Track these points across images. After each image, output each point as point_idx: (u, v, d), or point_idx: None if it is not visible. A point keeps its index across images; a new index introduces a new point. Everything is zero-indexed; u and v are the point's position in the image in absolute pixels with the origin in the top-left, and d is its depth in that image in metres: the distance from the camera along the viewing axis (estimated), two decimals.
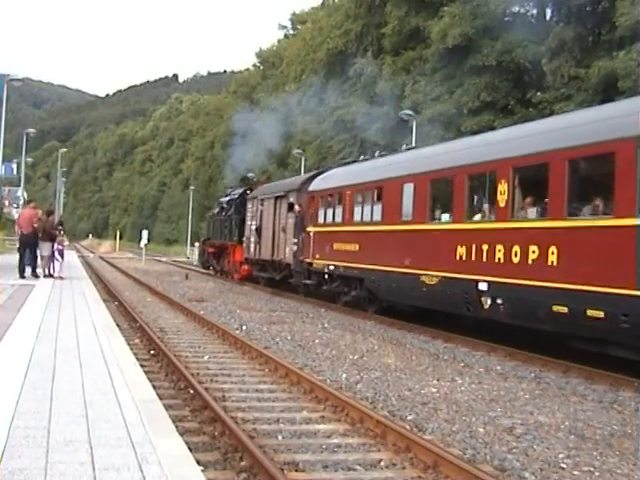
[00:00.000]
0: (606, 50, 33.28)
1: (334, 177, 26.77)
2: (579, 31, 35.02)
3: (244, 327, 18.72)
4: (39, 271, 25.36)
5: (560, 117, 18.14)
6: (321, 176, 28.30)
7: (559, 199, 13.75)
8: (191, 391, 10.46)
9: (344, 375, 12.59)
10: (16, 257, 26.17)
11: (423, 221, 18.95)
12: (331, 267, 24.91)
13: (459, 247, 16.93)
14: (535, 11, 43.84)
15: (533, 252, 14.32)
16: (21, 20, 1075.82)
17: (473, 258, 16.39)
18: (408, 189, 19.74)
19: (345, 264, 23.68)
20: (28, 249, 25.28)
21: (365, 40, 54.54)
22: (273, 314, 22.55)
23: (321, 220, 26.26)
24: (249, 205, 36.39)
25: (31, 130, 67.96)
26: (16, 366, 8.63)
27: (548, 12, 42.71)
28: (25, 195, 60.44)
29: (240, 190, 39.83)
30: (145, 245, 58.30)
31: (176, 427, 6.74)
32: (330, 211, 25.59)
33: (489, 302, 15.75)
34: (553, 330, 14.67)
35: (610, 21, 32.70)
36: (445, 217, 18.19)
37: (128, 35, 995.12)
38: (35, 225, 24.78)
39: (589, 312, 12.64)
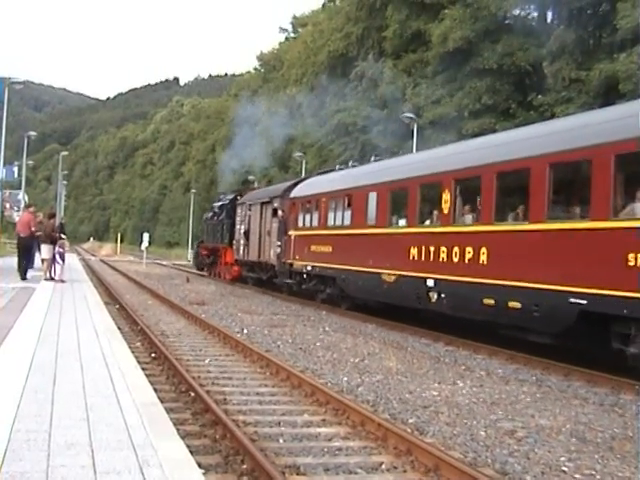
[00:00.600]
0: (607, 53, 33.30)
1: (312, 185, 29.13)
2: (580, 34, 35.03)
3: (245, 330, 18.72)
4: (31, 274, 25.50)
5: (492, 136, 21.13)
6: (301, 184, 30.71)
7: (488, 207, 16.40)
8: (192, 394, 10.46)
9: (345, 378, 12.59)
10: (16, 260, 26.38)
11: (384, 225, 21.52)
12: (309, 267, 27.20)
13: (412, 249, 19.43)
14: (536, 14, 43.91)
15: (469, 253, 16.82)
16: (22, 23, 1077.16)
17: (423, 258, 18.90)
18: (372, 197, 22.29)
19: (320, 264, 26.02)
20: (26, 252, 25.85)
21: (366, 43, 54.56)
22: (274, 317, 22.56)
23: (300, 224, 28.57)
24: (239, 210, 38.34)
25: (32, 133, 68.06)
26: (17, 369, 8.63)
27: (549, 15, 42.79)
28: (26, 198, 60.38)
29: (231, 196, 42.14)
30: (146, 248, 58.31)
31: (177, 430, 6.74)
32: (308, 216, 27.96)
33: (435, 297, 18.19)
34: (484, 320, 17.08)
35: (611, 24, 32.71)
36: (402, 222, 20.77)
37: (129, 38, 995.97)
38: (33, 229, 25.02)
39: (510, 304, 15.09)
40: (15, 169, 62.00)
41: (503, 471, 7.78)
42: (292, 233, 29.16)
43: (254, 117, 70.94)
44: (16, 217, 56.23)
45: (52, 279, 25.08)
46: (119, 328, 14.70)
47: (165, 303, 25.54)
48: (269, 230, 32.61)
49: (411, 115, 37.57)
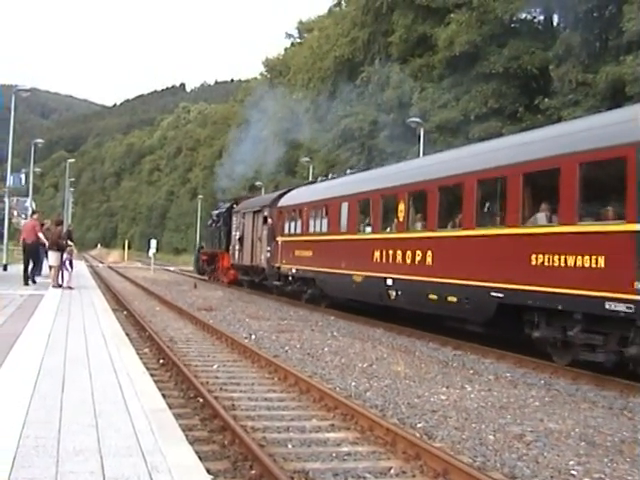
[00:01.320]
0: (613, 55, 33.24)
1: (296, 196, 31.91)
2: (586, 37, 34.98)
3: (253, 336, 18.72)
4: (40, 280, 25.63)
5: (435, 155, 23.43)
6: (288, 194, 33.37)
7: (433, 216, 19.28)
8: (200, 400, 10.46)
9: (353, 383, 12.58)
10: None
11: (353, 232, 24.33)
12: (293, 270, 29.93)
13: (375, 252, 22.21)
14: (542, 17, 43.89)
15: (418, 255, 19.57)
16: (28, 30, 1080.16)
17: (384, 261, 21.64)
18: (344, 207, 25.17)
19: (303, 267, 28.83)
20: (31, 258, 26.46)
21: (372, 48, 54.50)
22: (282, 322, 22.56)
23: (286, 231, 31.28)
24: (234, 218, 41.07)
25: (39, 140, 68.11)
26: (26, 376, 8.64)
27: (555, 18, 42.75)
28: (34, 205, 60.47)
29: (228, 205, 44.58)
30: (154, 254, 58.36)
31: (186, 436, 6.74)
32: (293, 224, 30.74)
33: (394, 294, 20.82)
34: (430, 313, 19.96)
35: (617, 26, 32.66)
36: (368, 229, 23.51)
37: (135, 45, 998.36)
38: (40, 234, 25.20)
39: (448, 298, 17.85)
40: (22, 176, 62.17)
41: (512, 475, 7.77)
42: (279, 239, 31.85)
43: (260, 122, 71.13)
44: (24, 224, 56.41)
45: (60, 286, 25.12)
46: (127, 334, 14.71)
47: (173, 309, 25.55)
48: (260, 236, 35.30)
49: (417, 120, 37.57)
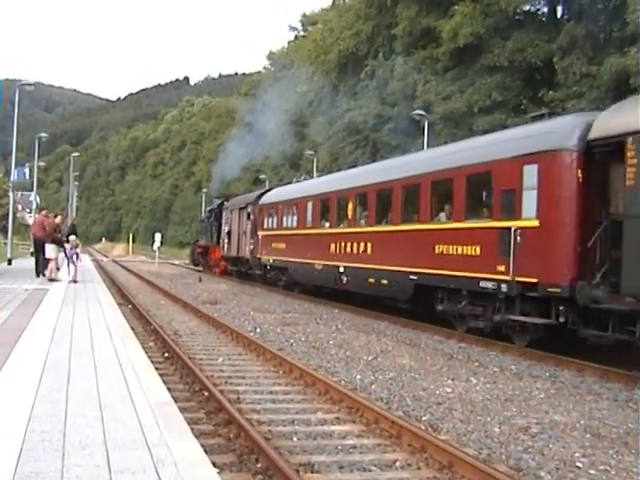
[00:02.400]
0: (618, 47, 33.17)
1: (274, 194, 36.17)
2: (590, 28, 34.89)
3: (258, 329, 18.74)
4: (46, 272, 25.83)
5: (373, 165, 29.93)
6: (267, 193, 37.61)
7: (372, 214, 23.73)
8: (206, 393, 10.48)
9: (358, 376, 12.59)
10: (29, 261, 27.03)
11: (316, 227, 28.52)
12: (271, 260, 34.16)
13: (331, 244, 26.45)
14: (546, 9, 43.77)
15: (362, 246, 23.82)
16: (32, 24, 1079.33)
17: (338, 251, 25.87)
18: (309, 205, 29.43)
19: (278, 258, 33.11)
20: (40, 252, 27.05)
21: (376, 41, 54.39)
22: (287, 316, 22.58)
23: (265, 226, 35.58)
24: (224, 214, 44.94)
25: (43, 134, 68.04)
26: (31, 369, 8.65)
27: (559, 10, 42.64)
28: (38, 200, 60.61)
29: (219, 201, 48.65)
30: (158, 248, 58.42)
31: (191, 429, 6.74)
32: (270, 219, 35.02)
33: (345, 279, 25.10)
34: (369, 294, 24.16)
35: (621, 18, 32.61)
36: (327, 225, 27.68)
37: (139, 38, 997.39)
38: (47, 229, 25.46)
39: (382, 281, 22.09)
40: (27, 171, 62.27)
41: (517, 467, 7.77)
42: (260, 233, 36.11)
43: (264, 116, 71.14)
44: (28, 218, 56.53)
45: (53, 280, 25.13)
46: (132, 328, 14.72)
47: (178, 302, 25.58)
48: (245, 231, 39.26)
49: (421, 112, 37.53)
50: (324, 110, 60.50)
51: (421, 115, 37.20)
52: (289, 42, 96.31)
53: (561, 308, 14.94)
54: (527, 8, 43.26)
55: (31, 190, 66.35)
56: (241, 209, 40.57)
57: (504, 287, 16.10)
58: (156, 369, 9.86)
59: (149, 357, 10.95)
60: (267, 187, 44.85)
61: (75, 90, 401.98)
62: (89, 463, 5.23)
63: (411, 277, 20.15)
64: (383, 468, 7.61)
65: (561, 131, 15.47)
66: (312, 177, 34.09)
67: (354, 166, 39.19)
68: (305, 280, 30.34)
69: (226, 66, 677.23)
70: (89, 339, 11.49)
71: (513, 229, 15.88)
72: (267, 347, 14.84)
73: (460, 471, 7.39)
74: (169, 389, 8.79)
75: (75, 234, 26.83)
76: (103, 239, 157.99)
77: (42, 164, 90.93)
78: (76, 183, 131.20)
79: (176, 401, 8.05)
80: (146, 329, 17.89)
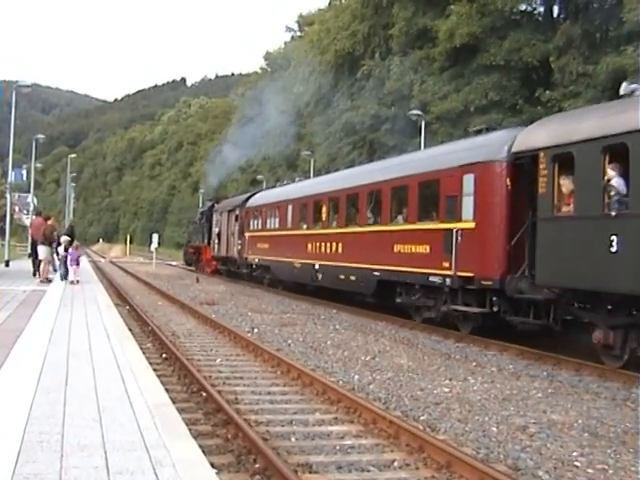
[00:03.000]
0: (614, 46, 33.21)
1: (259, 198, 38.78)
2: (587, 28, 34.96)
3: (256, 330, 18.75)
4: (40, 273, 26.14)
5: (345, 171, 32.98)
6: (253, 197, 40.12)
7: (342, 216, 26.16)
8: (204, 394, 10.48)
9: (356, 376, 12.60)
10: (27, 263, 27.24)
11: (295, 228, 30.94)
12: (256, 260, 36.74)
13: (308, 244, 28.62)
14: (542, 9, 43.82)
15: (334, 246, 26.10)
16: (29, 26, 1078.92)
17: (313, 251, 28.03)
18: (290, 208, 31.96)
19: (263, 257, 35.61)
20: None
21: (373, 41, 54.37)
22: (284, 316, 22.58)
23: (252, 227, 38.00)
24: (214, 216, 47.04)
25: (40, 136, 68.00)
26: (29, 371, 8.65)
27: (555, 9, 42.70)
28: (35, 201, 60.50)
29: (209, 204, 51.19)
30: (155, 249, 58.43)
31: (189, 430, 6.75)
32: (256, 221, 37.51)
33: (319, 276, 27.40)
34: (340, 289, 26.26)
35: (618, 17, 32.63)
36: (304, 226, 29.93)
37: (135, 39, 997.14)
38: (45, 231, 25.71)
39: (350, 277, 24.34)
40: (24, 172, 62.07)
41: (516, 467, 7.79)
42: (246, 234, 38.58)
43: (262, 116, 71.21)
44: (25, 220, 56.44)
45: (48, 280, 25.27)
46: (130, 329, 14.73)
47: (175, 303, 25.59)
48: (233, 232, 41.61)
49: (418, 112, 37.55)
50: (321, 110, 60.52)
51: (418, 115, 37.21)
52: (286, 42, 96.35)
53: (494, 299, 17.10)
54: (523, 8, 43.34)
55: (28, 192, 66.18)
56: (230, 211, 43.14)
57: (448, 281, 18.36)
58: (154, 370, 9.86)
59: (147, 358, 10.95)
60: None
61: (72, 91, 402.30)
62: (87, 464, 5.23)
63: (374, 273, 22.48)
64: (381, 468, 7.62)
65: (493, 145, 17.61)
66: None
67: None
68: (286, 277, 32.78)
69: (223, 67, 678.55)
70: (87, 340, 11.49)
71: (455, 230, 18.05)
72: (265, 348, 14.84)
73: (458, 471, 7.40)
74: (167, 390, 8.78)
75: (72, 236, 26.94)
76: (100, 240, 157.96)
77: (39, 166, 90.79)
78: (73, 184, 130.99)
79: (174, 402, 8.05)
80: (144, 330, 17.89)
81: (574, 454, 8.29)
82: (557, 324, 15.62)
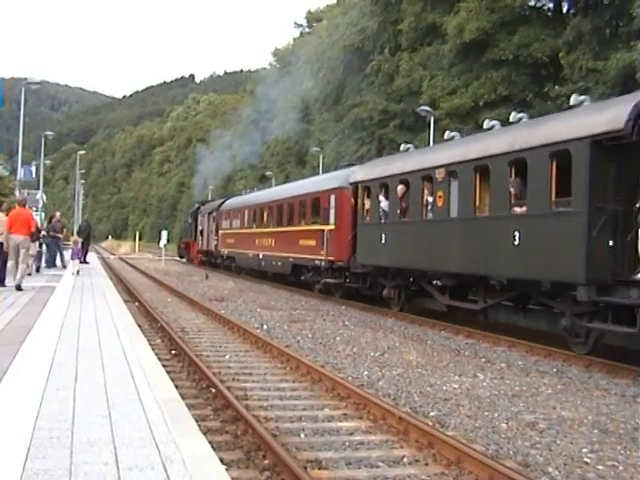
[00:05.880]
0: (624, 42, 33.11)
1: (229, 203, 48.49)
2: (596, 23, 34.86)
3: (265, 326, 18.75)
4: (53, 272, 26.56)
5: (279, 187, 43.61)
6: (225, 202, 49.97)
7: (274, 219, 35.34)
8: (213, 390, 10.48)
9: (365, 372, 12.59)
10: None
11: (249, 228, 40.23)
12: (226, 252, 46.13)
13: (256, 240, 37.84)
14: (551, 5, 43.69)
15: (270, 241, 35.25)
16: (37, 23, 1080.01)
17: (259, 244, 37.22)
18: (246, 212, 41.52)
19: (230, 250, 44.91)
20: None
21: (382, 37, 54.30)
22: (294, 312, 22.58)
23: (224, 227, 47.37)
24: (199, 217, 56.93)
25: (49, 133, 68.18)
26: (38, 367, 8.65)
27: (565, 5, 42.57)
28: (44, 198, 60.63)
29: (196, 207, 60.24)
30: (164, 245, 58.49)
31: (199, 426, 6.74)
32: (226, 222, 46.86)
33: (262, 263, 36.32)
34: (273, 271, 35.34)
35: (627, 12, 32.52)
36: (254, 226, 39.06)
37: (144, 36, 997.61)
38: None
39: (278, 263, 33.22)
40: (33, 169, 62.29)
41: (525, 463, 7.77)
42: (220, 232, 48.03)
43: (268, 115, 71.21)
44: (35, 216, 56.55)
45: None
46: (139, 325, 14.71)
47: (184, 300, 25.60)
48: (211, 230, 51.23)
49: (427, 108, 37.48)
50: (330, 106, 60.45)
51: (427, 111, 37.16)
52: (294, 39, 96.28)
53: (347, 273, 26.32)
54: (533, 3, 43.21)
55: (37, 188, 66.40)
56: (209, 213, 52.95)
57: (323, 263, 27.46)
58: (163, 366, 9.85)
59: (156, 354, 10.94)
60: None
61: (81, 88, 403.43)
62: (97, 460, 5.23)
63: (290, 260, 31.45)
64: (391, 464, 7.61)
65: (343, 177, 27.05)
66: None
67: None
68: (244, 265, 41.76)
69: (231, 63, 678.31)
70: (96, 336, 11.50)
71: (325, 230, 27.50)
72: (274, 344, 14.84)
73: (468, 467, 7.38)
74: (176, 386, 8.78)
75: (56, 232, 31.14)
76: (110, 237, 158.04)
77: (48, 162, 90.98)
78: (82, 181, 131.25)
79: (183, 398, 8.04)
80: (153, 326, 17.91)
81: (584, 450, 8.26)
82: (370, 288, 24.99)
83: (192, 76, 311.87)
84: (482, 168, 17.50)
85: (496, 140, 17.56)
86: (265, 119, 74.35)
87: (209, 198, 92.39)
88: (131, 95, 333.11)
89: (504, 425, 9.29)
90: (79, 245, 30.53)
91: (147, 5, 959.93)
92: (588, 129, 13.99)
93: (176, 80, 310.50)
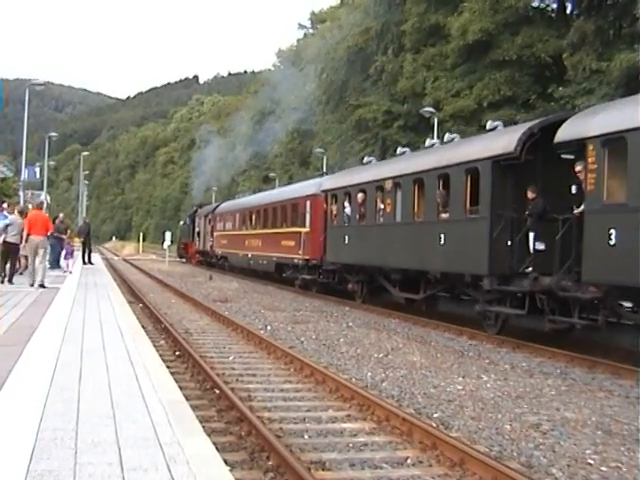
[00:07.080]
0: (628, 43, 33.02)
1: (223, 207, 52.62)
2: (600, 24, 34.75)
3: (269, 327, 18.77)
4: (56, 273, 26.84)
5: (267, 192, 47.71)
6: (220, 206, 54.16)
7: (259, 222, 39.78)
8: (217, 391, 10.50)
9: (369, 373, 12.60)
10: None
11: (240, 230, 44.10)
12: (220, 252, 50.26)
13: (246, 241, 41.41)
14: (555, 5, 43.63)
15: (257, 242, 39.14)
16: (41, 24, 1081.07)
17: (248, 245, 40.86)
18: (237, 215, 45.62)
19: (223, 250, 49.07)
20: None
21: (385, 38, 54.17)
22: (297, 314, 22.59)
23: (218, 228, 51.45)
24: (196, 219, 60.92)
25: (53, 134, 68.32)
26: (43, 368, 8.67)
27: (568, 6, 42.50)
28: (48, 199, 60.70)
29: (194, 209, 65.05)
30: (168, 247, 58.55)
31: (203, 427, 6.75)
32: (221, 224, 50.87)
33: (251, 262, 40.02)
34: (260, 270, 39.30)
35: (631, 13, 32.46)
36: (244, 228, 43.02)
37: (148, 37, 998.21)
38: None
39: (265, 262, 37.24)
40: (37, 170, 62.33)
41: (529, 464, 7.78)
42: (215, 233, 52.19)
43: (272, 116, 71.27)
44: None
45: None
46: (143, 326, 14.73)
47: (188, 301, 25.63)
48: (207, 232, 55.02)
49: (431, 109, 37.47)
50: (333, 107, 60.40)
51: (431, 112, 37.14)
52: (298, 40, 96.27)
53: (320, 270, 29.70)
54: (536, 4, 43.15)
55: (41, 189, 66.48)
56: (205, 216, 56.67)
57: (301, 262, 30.96)
58: (167, 367, 9.87)
59: (160, 355, 10.96)
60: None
61: (85, 89, 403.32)
62: (101, 461, 5.24)
63: (274, 259, 35.24)
64: (394, 466, 7.62)
65: (317, 185, 30.64)
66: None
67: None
68: (236, 264, 45.54)
69: (235, 64, 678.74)
70: (100, 337, 11.51)
71: (302, 232, 30.98)
72: (278, 345, 14.86)
73: (471, 468, 7.39)
74: (180, 387, 8.78)
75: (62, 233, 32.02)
76: (113, 238, 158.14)
77: (52, 163, 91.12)
78: (86, 182, 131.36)
79: (188, 399, 8.05)
80: (157, 327, 17.94)
81: (587, 452, 8.27)
82: (339, 283, 28.17)
83: (196, 77, 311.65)
84: (419, 181, 21.16)
85: (429, 158, 21.38)
86: (269, 120, 74.28)
87: (213, 200, 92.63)
88: (135, 96, 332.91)
89: (508, 426, 9.30)
90: (66, 242, 32.22)
91: (151, 6, 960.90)
92: (490, 151, 17.55)
93: (180, 81, 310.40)
